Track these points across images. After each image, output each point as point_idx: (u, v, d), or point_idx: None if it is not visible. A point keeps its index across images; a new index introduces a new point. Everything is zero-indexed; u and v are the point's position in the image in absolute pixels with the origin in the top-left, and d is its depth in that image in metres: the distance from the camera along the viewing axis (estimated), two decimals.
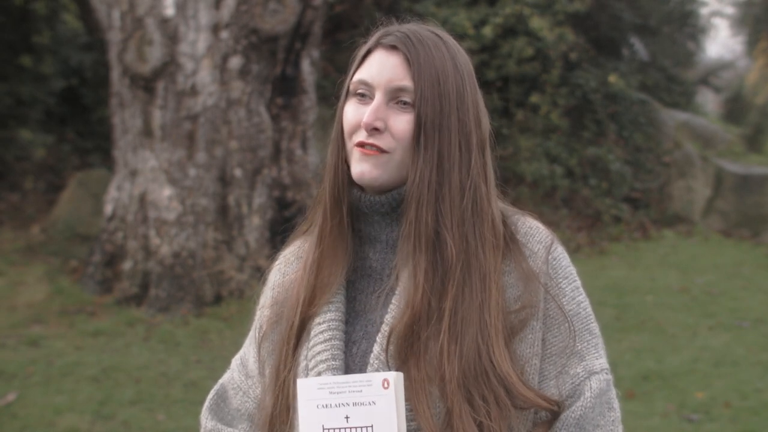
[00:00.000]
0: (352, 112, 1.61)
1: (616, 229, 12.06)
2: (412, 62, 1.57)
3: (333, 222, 1.64)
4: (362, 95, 1.60)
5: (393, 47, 1.59)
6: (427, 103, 1.55)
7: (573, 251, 10.97)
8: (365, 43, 1.65)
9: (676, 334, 7.81)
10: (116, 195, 8.39)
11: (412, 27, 1.63)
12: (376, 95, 1.58)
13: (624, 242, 11.79)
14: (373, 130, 1.57)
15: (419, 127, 1.55)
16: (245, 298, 8.07)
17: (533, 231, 1.65)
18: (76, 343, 7.12)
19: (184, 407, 5.86)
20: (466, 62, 1.63)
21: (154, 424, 5.61)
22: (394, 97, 1.58)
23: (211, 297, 8.04)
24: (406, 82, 1.57)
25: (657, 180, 12.95)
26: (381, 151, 1.57)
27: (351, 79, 1.63)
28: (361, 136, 1.58)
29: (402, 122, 1.57)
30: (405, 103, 1.57)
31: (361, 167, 1.58)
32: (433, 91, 1.56)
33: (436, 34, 1.62)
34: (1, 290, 8.27)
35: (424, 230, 1.55)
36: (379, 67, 1.59)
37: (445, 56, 1.59)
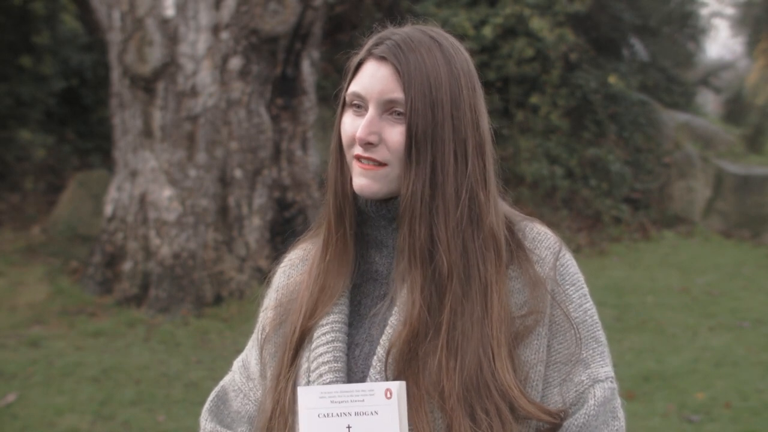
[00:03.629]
0: (349, 124, 1.59)
1: (616, 229, 12.06)
2: (402, 73, 1.53)
3: (337, 235, 1.63)
4: (358, 106, 1.58)
5: (383, 58, 1.56)
6: (418, 114, 1.52)
7: (573, 252, 10.84)
8: (357, 53, 1.62)
9: (676, 335, 7.81)
10: (116, 195, 8.39)
11: (405, 32, 1.59)
12: (369, 108, 1.56)
13: (624, 243, 11.79)
14: (368, 144, 1.55)
15: (410, 140, 1.52)
16: (245, 298, 8.07)
17: (541, 237, 1.63)
18: (76, 344, 7.12)
19: (184, 408, 5.86)
20: (463, 63, 1.59)
21: (155, 424, 5.61)
22: (388, 108, 1.55)
23: (212, 297, 8.04)
24: (397, 94, 1.54)
25: (657, 181, 12.95)
26: (378, 164, 1.55)
27: (346, 90, 1.61)
28: (358, 149, 1.56)
29: (396, 134, 1.54)
30: (399, 113, 1.54)
31: (360, 182, 1.57)
32: (424, 101, 1.52)
33: (431, 37, 1.58)
34: (2, 291, 8.28)
35: (418, 245, 1.52)
36: (371, 80, 1.56)
37: (439, 61, 1.55)
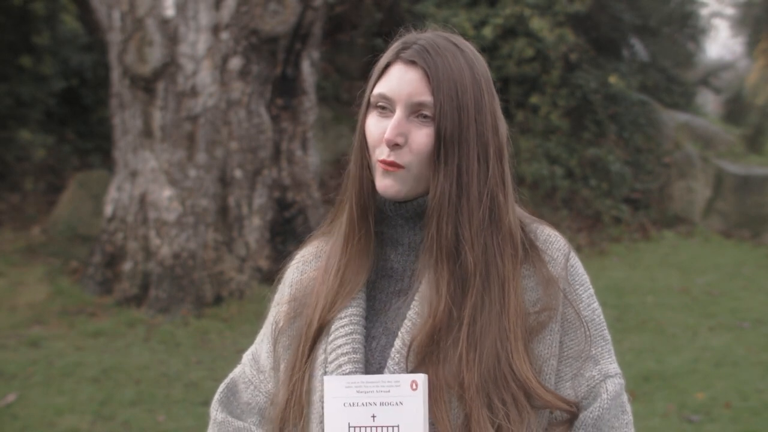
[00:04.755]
0: (374, 125, 1.64)
1: (616, 229, 12.06)
2: (431, 77, 1.59)
3: (360, 233, 1.68)
4: (383, 108, 1.63)
5: (412, 61, 1.61)
6: (446, 117, 1.58)
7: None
8: (384, 54, 1.67)
9: (676, 335, 7.81)
10: (116, 196, 8.39)
11: (429, 37, 1.64)
12: (397, 110, 1.61)
13: (624, 243, 11.79)
14: (395, 146, 1.60)
15: (439, 142, 1.58)
16: (245, 298, 8.08)
17: (552, 239, 1.69)
18: (76, 344, 7.12)
19: (184, 408, 5.86)
20: (484, 69, 1.66)
21: (155, 424, 5.61)
22: (415, 111, 1.60)
23: (211, 298, 8.04)
24: (426, 97, 1.59)
25: (657, 181, 12.94)
26: (398, 166, 1.60)
27: (371, 91, 1.65)
28: (384, 153, 1.61)
29: (422, 136, 1.59)
30: (425, 116, 1.60)
31: (384, 182, 1.62)
32: (451, 104, 1.58)
33: (454, 43, 1.64)
34: (2, 291, 8.28)
35: (444, 243, 1.59)
36: (399, 82, 1.61)
37: (463, 66, 1.62)
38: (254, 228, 8.28)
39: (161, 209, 8.06)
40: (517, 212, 1.70)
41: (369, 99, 1.66)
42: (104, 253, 8.33)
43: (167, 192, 8.07)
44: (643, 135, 13.18)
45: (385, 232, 1.70)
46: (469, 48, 1.67)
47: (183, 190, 8.07)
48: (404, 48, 1.64)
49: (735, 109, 18.38)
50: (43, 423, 5.57)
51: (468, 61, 1.63)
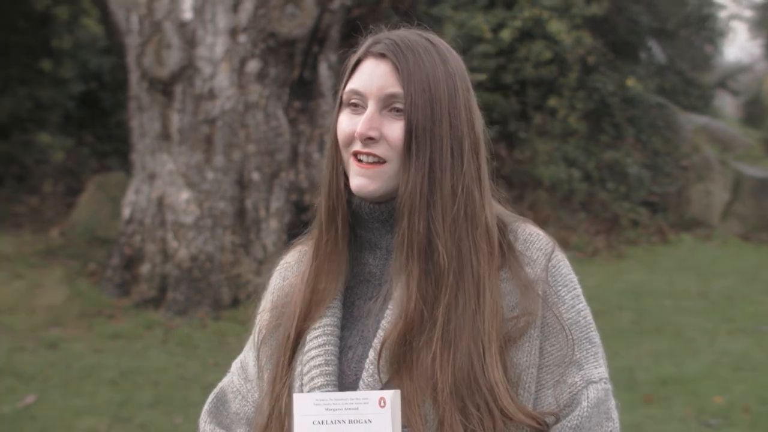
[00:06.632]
0: (346, 123, 1.59)
1: (634, 232, 12.02)
2: (401, 69, 1.55)
3: (329, 235, 1.63)
4: (355, 105, 1.59)
5: (382, 55, 1.58)
6: (417, 109, 1.53)
7: (591, 255, 10.93)
8: (355, 52, 1.64)
9: (694, 339, 7.77)
10: (134, 198, 8.42)
11: (401, 33, 1.61)
12: (369, 104, 1.57)
13: (642, 246, 11.75)
14: (368, 140, 1.55)
15: (410, 134, 1.53)
16: None
17: (533, 238, 1.61)
18: (94, 346, 7.14)
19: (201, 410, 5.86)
20: (457, 64, 1.61)
21: (172, 427, 5.63)
22: (387, 104, 1.56)
23: (229, 300, 8.05)
24: (397, 89, 1.55)
25: (675, 184, 12.90)
26: (377, 161, 1.56)
27: (343, 89, 1.62)
28: (357, 146, 1.56)
29: (396, 129, 1.55)
30: (398, 110, 1.55)
31: (358, 181, 1.57)
32: (423, 96, 1.54)
33: (426, 39, 1.61)
34: (21, 293, 8.32)
35: (416, 238, 1.53)
36: (370, 76, 1.58)
37: (436, 60, 1.57)
38: (271, 231, 8.30)
39: (179, 212, 8.09)
40: (497, 210, 1.63)
41: (341, 97, 1.62)
42: (122, 256, 8.36)
43: (185, 195, 8.09)
44: (660, 138, 13.14)
45: (363, 236, 1.64)
46: (443, 44, 1.62)
47: (200, 192, 8.09)
48: (374, 43, 1.61)
49: (753, 112, 18.32)
50: (61, 425, 5.60)
51: (441, 55, 1.59)
